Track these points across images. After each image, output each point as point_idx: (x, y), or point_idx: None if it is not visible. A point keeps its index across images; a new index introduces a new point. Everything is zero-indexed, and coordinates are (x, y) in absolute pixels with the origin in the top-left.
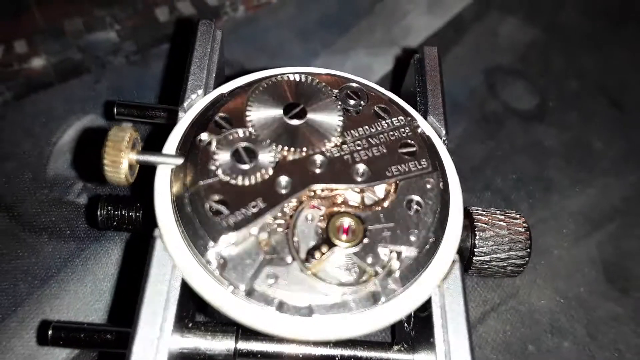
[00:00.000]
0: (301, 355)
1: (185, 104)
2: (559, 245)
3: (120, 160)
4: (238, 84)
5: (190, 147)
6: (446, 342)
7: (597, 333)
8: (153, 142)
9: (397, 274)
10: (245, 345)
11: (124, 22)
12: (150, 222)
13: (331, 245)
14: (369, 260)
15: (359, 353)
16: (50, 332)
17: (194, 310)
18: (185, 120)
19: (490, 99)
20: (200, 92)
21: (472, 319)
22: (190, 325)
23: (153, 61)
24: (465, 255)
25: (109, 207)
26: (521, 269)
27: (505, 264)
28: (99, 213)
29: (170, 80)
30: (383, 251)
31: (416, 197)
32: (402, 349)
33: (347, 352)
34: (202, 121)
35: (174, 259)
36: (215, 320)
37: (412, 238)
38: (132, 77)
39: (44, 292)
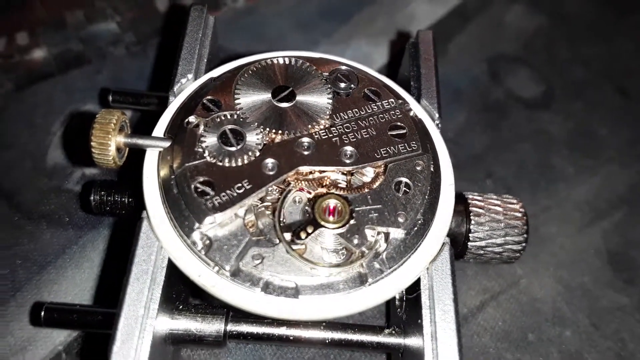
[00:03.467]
0: (291, 337)
1: (175, 89)
2: (562, 234)
3: (108, 143)
4: (228, 68)
5: (178, 130)
6: (433, 323)
7: (600, 323)
8: (147, 129)
9: (384, 256)
10: (235, 328)
11: (124, 13)
12: (139, 205)
13: (317, 226)
14: (356, 241)
15: (350, 336)
16: (43, 313)
17: (187, 293)
18: (174, 104)
19: (493, 87)
20: (190, 76)
21: (472, 307)
22: (181, 307)
23: (153, 51)
24: (460, 240)
25: (102, 192)
26: (518, 254)
27: (501, 250)
28: (92, 198)
29: (170, 70)
30: (370, 232)
31: (405, 179)
32: (394, 332)
33: (338, 334)
34: (191, 104)
35: (160, 240)
36: (206, 303)
37: (400, 219)
38: (132, 67)
39: (42, 278)
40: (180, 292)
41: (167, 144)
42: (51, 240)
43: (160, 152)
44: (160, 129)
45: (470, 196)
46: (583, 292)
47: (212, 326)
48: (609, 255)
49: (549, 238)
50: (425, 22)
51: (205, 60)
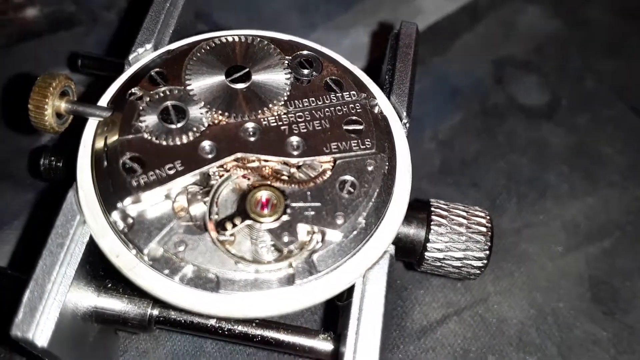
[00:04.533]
0: (220, 331)
1: (130, 58)
2: (544, 254)
3: (44, 107)
4: (188, 42)
5: (121, 101)
6: (357, 334)
7: (569, 354)
8: None
9: (315, 257)
10: (162, 313)
11: None
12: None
13: (246, 218)
14: (285, 238)
15: (281, 336)
16: None
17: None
18: (126, 74)
19: (495, 91)
20: (148, 46)
21: (432, 321)
22: (110, 286)
23: (144, 19)
24: (418, 249)
25: (52, 158)
26: (478, 271)
27: (460, 264)
28: (41, 162)
29: None
30: (304, 231)
31: (351, 178)
32: (328, 337)
33: (269, 333)
34: (140, 75)
35: (83, 215)
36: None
37: (338, 221)
38: (121, 33)
39: None
40: (109, 270)
41: (107, 114)
42: (11, 202)
43: (99, 122)
44: (106, 98)
45: (434, 204)
46: (556, 319)
47: (137, 309)
48: (591, 283)
49: (528, 257)
50: (432, 17)
51: (171, 31)
